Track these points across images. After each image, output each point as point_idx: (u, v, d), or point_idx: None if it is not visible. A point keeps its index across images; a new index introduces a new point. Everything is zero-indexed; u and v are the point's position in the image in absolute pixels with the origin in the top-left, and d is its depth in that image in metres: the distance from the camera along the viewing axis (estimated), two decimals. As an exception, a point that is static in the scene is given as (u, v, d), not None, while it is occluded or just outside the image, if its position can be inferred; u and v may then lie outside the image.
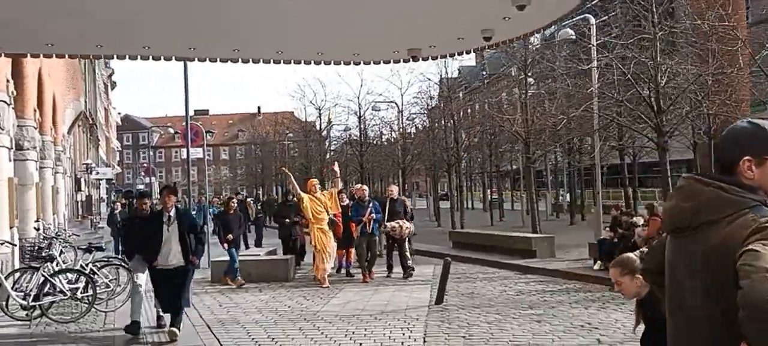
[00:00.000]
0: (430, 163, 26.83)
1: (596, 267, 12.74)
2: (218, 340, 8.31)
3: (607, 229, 13.22)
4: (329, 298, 11.05)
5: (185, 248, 8.17)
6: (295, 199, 13.80)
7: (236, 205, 14.47)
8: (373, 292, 11.39)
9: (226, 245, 12.86)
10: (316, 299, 10.94)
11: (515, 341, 7.92)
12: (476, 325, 8.79)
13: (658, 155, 13.77)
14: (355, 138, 31.43)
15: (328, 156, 37.44)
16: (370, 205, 12.85)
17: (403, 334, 8.39)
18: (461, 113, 25.63)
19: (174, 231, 8.17)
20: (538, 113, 17.54)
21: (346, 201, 13.83)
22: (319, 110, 35.35)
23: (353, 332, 8.56)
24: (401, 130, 28.63)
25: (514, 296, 10.96)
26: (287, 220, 14.53)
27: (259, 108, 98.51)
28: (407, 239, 13.40)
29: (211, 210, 26.81)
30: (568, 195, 36.98)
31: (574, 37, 16.02)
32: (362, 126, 30.29)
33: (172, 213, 8.29)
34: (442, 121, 24.31)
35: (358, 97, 29.79)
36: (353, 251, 13.53)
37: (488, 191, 38.13)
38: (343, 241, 13.20)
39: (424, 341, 8.02)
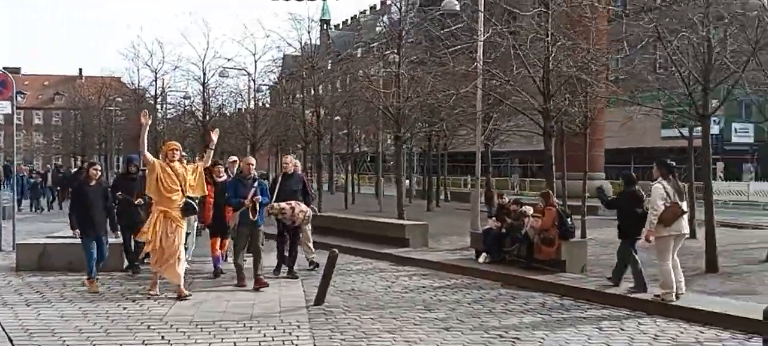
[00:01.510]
0: (282, 139, 24.65)
1: (482, 260, 11.57)
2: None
3: (493, 218, 12.11)
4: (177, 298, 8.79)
5: None
6: (142, 172, 10.96)
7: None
8: (232, 290, 9.26)
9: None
10: (161, 300, 8.63)
11: (431, 358, 6.35)
12: (375, 335, 7.09)
13: (544, 142, 12.91)
14: (197, 108, 28.32)
15: (161, 126, 33.74)
16: (255, 184, 9.51)
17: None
18: (324, 87, 23.63)
19: None
20: (411, 91, 16.09)
21: (223, 176, 10.80)
22: (156, 73, 31.61)
23: (221, 344, 6.52)
24: (255, 100, 26.08)
25: (402, 294, 9.41)
26: (119, 194, 10.24)
27: (80, 70, 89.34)
28: (303, 225, 10.71)
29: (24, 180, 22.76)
30: (414, 181, 36.73)
31: (458, 7, 14.77)
32: (206, 94, 27.27)
33: None
34: (301, 93, 22.23)
35: (203, 62, 26.83)
36: (227, 242, 10.70)
37: (340, 174, 36.67)
38: (214, 228, 10.48)
39: (318, 360, 6.19)
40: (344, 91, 24.24)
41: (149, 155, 8.79)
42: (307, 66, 21.52)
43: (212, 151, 9.70)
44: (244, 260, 9.57)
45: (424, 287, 10.06)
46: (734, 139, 38.06)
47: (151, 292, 8.72)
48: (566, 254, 10.59)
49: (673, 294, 8.28)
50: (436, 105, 16.23)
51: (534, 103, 12.90)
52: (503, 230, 11.54)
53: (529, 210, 11.65)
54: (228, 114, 30.22)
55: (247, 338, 6.81)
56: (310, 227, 11.17)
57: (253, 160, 9.95)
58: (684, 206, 8.44)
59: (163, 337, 6.82)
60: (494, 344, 6.78)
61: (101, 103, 47.42)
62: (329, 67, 25.74)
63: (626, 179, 9.70)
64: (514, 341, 6.90)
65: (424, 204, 26.03)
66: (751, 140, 38.31)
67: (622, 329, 7.46)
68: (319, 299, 8.48)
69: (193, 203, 8.90)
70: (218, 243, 10.49)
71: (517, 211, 11.53)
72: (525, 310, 8.48)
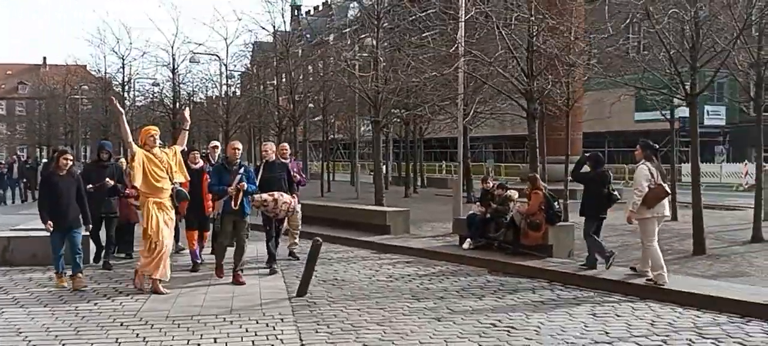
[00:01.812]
0: (256, 126, 24.03)
1: (466, 246, 11.29)
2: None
3: (477, 203, 11.81)
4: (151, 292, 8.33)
5: None
6: (115, 159, 10.42)
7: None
8: (209, 283, 8.81)
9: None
10: (134, 294, 8.17)
11: (425, 351, 6.03)
12: (363, 327, 6.73)
13: (527, 125, 12.64)
14: (166, 95, 27.49)
15: (129, 115, 32.77)
16: (241, 171, 8.73)
17: (270, 342, 6.11)
18: (296, 72, 22.95)
19: None
20: (390, 73, 15.63)
21: (200, 163, 10.07)
22: (123, 59, 30.63)
23: (200, 341, 6.11)
24: (227, 87, 25.37)
25: (387, 283, 9.07)
26: (90, 187, 9.25)
27: (44, 59, 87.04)
28: (287, 218, 10.08)
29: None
30: (390, 167, 36.37)
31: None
32: (176, 80, 26.50)
33: None
34: (276, 78, 21.62)
35: (172, 47, 26.02)
36: (207, 235, 10.13)
37: (315, 162, 36.13)
38: (192, 219, 9.77)
39: (305, 356, 5.83)
40: (319, 77, 23.59)
41: (135, 145, 8.15)
42: (281, 50, 20.91)
43: (187, 132, 9.07)
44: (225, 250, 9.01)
45: (409, 275, 9.73)
46: (706, 122, 38.34)
47: (137, 283, 8.37)
48: (553, 239, 10.35)
49: (665, 275, 8.14)
50: (417, 88, 15.80)
51: (517, 85, 12.62)
52: (488, 216, 11.26)
53: (515, 194, 11.40)
54: (198, 101, 29.46)
55: (228, 333, 6.42)
56: (300, 216, 10.78)
57: (239, 145, 9.05)
58: (667, 187, 8.38)
59: (137, 334, 6.39)
60: (489, 335, 6.47)
61: (66, 92, 46.11)
62: (300, 53, 25.00)
63: (595, 159, 9.61)
64: (509, 330, 6.60)
65: (402, 190, 25.72)
66: (723, 123, 38.70)
67: (618, 316, 7.22)
68: (302, 290, 8.10)
69: (184, 191, 8.51)
70: (196, 236, 9.81)
71: (502, 195, 11.25)
72: (515, 297, 8.20)
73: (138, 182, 8.01)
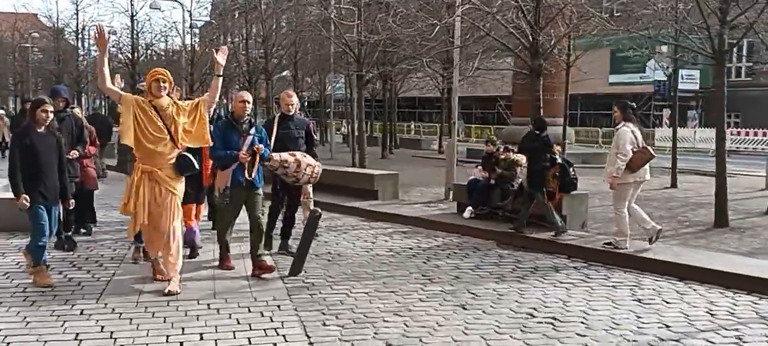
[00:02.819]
0: (225, 79, 22.43)
1: (467, 215, 10.25)
2: None
3: (479, 168, 10.74)
4: (116, 273, 7.07)
5: None
6: (71, 109, 8.22)
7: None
8: (185, 261, 7.51)
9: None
10: (100, 272, 6.90)
11: (461, 351, 4.97)
12: (379, 318, 5.62)
13: (531, 82, 11.56)
14: (124, 44, 25.60)
15: (81, 63, 30.66)
16: (252, 131, 6.80)
17: (269, 338, 4.97)
18: (270, 22, 21.33)
19: None
20: (377, 24, 14.27)
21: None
22: (77, 5, 28.45)
23: (181, 337, 4.92)
24: (192, 36, 23.59)
25: (390, 259, 7.96)
26: (75, 152, 7.75)
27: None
28: (309, 187, 8.46)
29: None
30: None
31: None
32: (135, 29, 24.62)
33: None
34: (246, 29, 20.00)
35: (131, -7, 24.06)
36: (201, 209, 8.30)
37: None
38: (190, 191, 7.23)
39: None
40: (293, 28, 21.98)
41: (115, 88, 6.31)
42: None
43: (221, 79, 6.53)
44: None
45: (410, 248, 8.65)
46: (681, 86, 37.91)
47: (160, 278, 6.44)
48: (567, 209, 9.37)
49: (627, 241, 7.95)
50: (406, 40, 14.50)
51: (521, 39, 11.49)
52: (492, 181, 10.22)
53: (522, 159, 10.36)
54: (160, 52, 27.61)
55: (217, 326, 5.24)
56: (311, 186, 8.85)
57: (248, 97, 6.94)
58: (651, 150, 8.04)
59: (102, 327, 5.18)
60: (532, 329, 5.43)
61: (16, 40, 43.28)
62: (274, 1, 23.30)
63: (538, 124, 9.07)
64: (552, 323, 5.58)
65: (376, 152, 24.54)
66: (697, 87, 38.35)
67: (667, 303, 6.26)
68: (296, 269, 6.94)
69: (190, 157, 6.19)
70: (193, 211, 7.92)
71: (508, 159, 10.20)
72: (541, 277, 7.18)
73: (126, 139, 6.09)
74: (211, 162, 7.52)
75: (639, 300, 6.33)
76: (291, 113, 7.85)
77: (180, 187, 6.31)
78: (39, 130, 6.32)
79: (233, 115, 6.87)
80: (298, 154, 7.45)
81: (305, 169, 7.39)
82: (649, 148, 8.00)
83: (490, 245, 8.92)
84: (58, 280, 6.50)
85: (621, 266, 7.66)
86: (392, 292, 6.43)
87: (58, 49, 32.17)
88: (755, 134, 34.93)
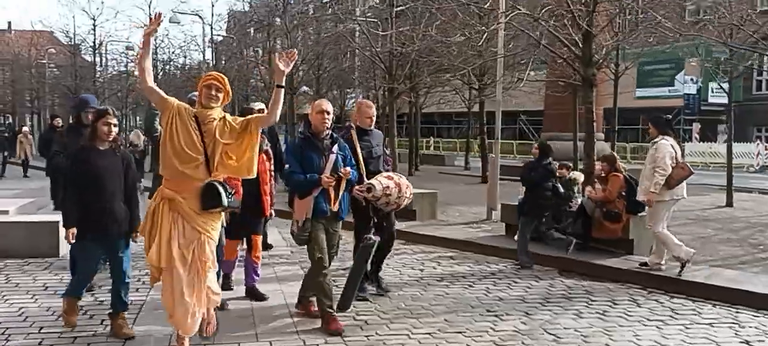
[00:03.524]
0: (243, 95, 21.76)
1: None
2: None
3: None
4: (141, 305, 6.26)
5: None
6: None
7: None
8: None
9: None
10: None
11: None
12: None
13: (583, 94, 10.69)
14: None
15: (98, 81, 30.14)
16: (335, 148, 5.52)
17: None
18: (295, 33, 20.63)
19: None
20: (414, 31, 13.39)
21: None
22: (94, 20, 27.96)
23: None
24: (213, 50, 22.92)
25: (445, 291, 7.08)
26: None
27: (9, 24, 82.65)
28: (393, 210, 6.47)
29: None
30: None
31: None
32: (154, 44, 24.00)
33: None
34: (269, 42, 19.31)
35: (150, 6, 23.56)
36: (259, 243, 6.48)
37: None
38: (238, 224, 6.02)
39: None
40: (318, 39, 21.18)
41: (157, 88, 4.77)
42: (277, 7, 18.61)
43: (282, 91, 4.81)
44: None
45: (463, 276, 7.79)
46: (711, 99, 36.94)
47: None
48: (634, 232, 8.47)
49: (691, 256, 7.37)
50: (441, 51, 13.64)
51: (571, 48, 10.63)
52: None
53: (580, 177, 9.52)
54: (180, 67, 27.02)
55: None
56: None
57: (328, 106, 5.60)
58: (690, 166, 7.58)
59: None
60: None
61: (33, 57, 43.07)
62: (298, 13, 22.61)
63: (543, 149, 8.43)
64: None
65: (403, 168, 23.68)
66: (727, 100, 37.20)
67: (783, 345, 5.36)
68: (346, 303, 6.07)
69: (219, 189, 4.64)
70: (238, 246, 6.47)
71: (565, 177, 9.32)
72: (621, 312, 6.29)
73: (168, 157, 4.67)
74: (268, 187, 6.34)
75: (747, 343, 5.43)
76: (370, 129, 6.47)
77: (214, 226, 4.75)
78: (100, 149, 5.08)
79: (311, 130, 5.53)
80: (395, 176, 6.12)
81: (406, 193, 6.04)
82: (687, 164, 7.55)
83: (551, 272, 8.05)
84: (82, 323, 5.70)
85: (705, 297, 6.76)
86: (459, 332, 5.57)
87: (75, 65, 31.73)
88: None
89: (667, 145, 7.35)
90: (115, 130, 5.13)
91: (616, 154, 9.19)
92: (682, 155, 7.62)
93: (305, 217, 5.36)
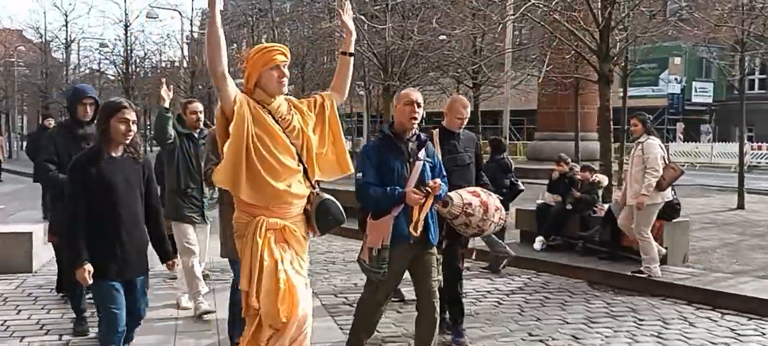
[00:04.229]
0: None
1: (538, 246, 8.66)
2: None
3: (547, 194, 9.11)
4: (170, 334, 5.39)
5: None
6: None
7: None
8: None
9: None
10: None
11: None
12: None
13: (599, 92, 10.04)
14: (118, 55, 23.92)
15: (67, 80, 28.84)
16: (422, 154, 4.24)
17: None
18: (282, 29, 19.68)
19: None
20: (412, 26, 12.63)
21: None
22: (66, 16, 26.74)
23: None
24: (194, 45, 21.91)
25: (473, 309, 6.35)
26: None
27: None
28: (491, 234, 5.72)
29: None
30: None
31: None
32: (129, 40, 22.98)
33: None
34: (251, 38, 18.39)
35: (125, 1, 22.49)
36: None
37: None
38: None
39: None
40: (306, 37, 20.28)
41: (229, 80, 3.32)
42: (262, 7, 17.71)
43: (352, 60, 3.89)
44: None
45: (489, 292, 7.05)
46: (694, 99, 36.84)
47: None
48: (668, 240, 7.81)
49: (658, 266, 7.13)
50: (442, 47, 12.91)
51: (587, 42, 9.99)
52: (568, 207, 8.66)
53: (605, 180, 8.86)
54: (155, 65, 25.95)
55: None
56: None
57: (419, 97, 4.29)
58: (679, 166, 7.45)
59: None
60: None
61: (0, 55, 41.50)
62: (287, 9, 21.70)
63: (495, 145, 8.34)
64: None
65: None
66: (710, 100, 37.21)
67: None
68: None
69: (337, 203, 3.57)
70: None
71: (587, 180, 8.66)
72: (677, 332, 5.62)
73: (227, 173, 3.34)
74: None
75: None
76: (456, 132, 5.15)
77: (306, 251, 3.62)
78: (114, 155, 3.74)
79: (393, 128, 4.29)
80: (482, 193, 4.75)
81: (493, 217, 4.70)
82: (676, 164, 7.41)
83: (581, 285, 7.36)
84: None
85: (757, 312, 6.14)
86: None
87: (46, 63, 30.40)
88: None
89: (655, 145, 7.09)
90: (134, 129, 3.77)
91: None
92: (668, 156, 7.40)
93: (381, 244, 4.05)
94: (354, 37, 3.83)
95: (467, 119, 5.19)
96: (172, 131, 5.59)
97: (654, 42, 13.20)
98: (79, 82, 31.68)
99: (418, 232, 4.06)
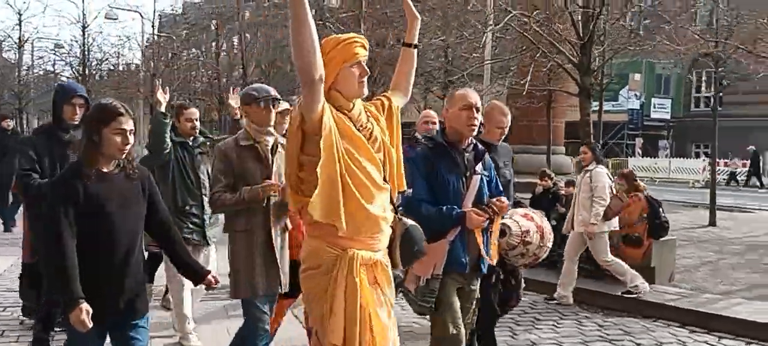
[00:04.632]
0: (188, 97, 20.08)
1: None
2: None
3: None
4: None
5: None
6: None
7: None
8: None
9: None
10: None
11: None
12: None
13: (579, 105, 9.87)
14: (75, 57, 23.00)
15: (19, 81, 27.67)
16: (479, 168, 3.61)
17: None
18: (252, 31, 19.11)
19: None
20: (386, 30, 12.33)
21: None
22: (20, 15, 25.59)
23: None
24: (157, 47, 21.18)
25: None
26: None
27: None
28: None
29: None
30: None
31: None
32: (86, 41, 22.11)
33: None
34: (216, 42, 17.86)
35: (83, 1, 21.59)
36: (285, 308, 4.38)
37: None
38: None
39: None
40: (273, 40, 19.75)
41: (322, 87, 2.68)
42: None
43: (416, 53, 3.29)
44: None
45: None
46: (653, 115, 37.48)
47: None
48: (656, 259, 7.63)
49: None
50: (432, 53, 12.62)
51: (568, 54, 9.82)
52: (552, 223, 8.40)
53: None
54: (113, 68, 25.07)
55: None
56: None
57: (478, 100, 3.61)
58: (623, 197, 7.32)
59: None
60: None
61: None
62: (248, 14, 21.19)
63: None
64: None
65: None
66: (668, 116, 37.91)
67: None
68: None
69: (418, 227, 3.01)
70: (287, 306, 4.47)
71: (570, 195, 8.43)
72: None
73: (323, 202, 2.69)
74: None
75: None
76: (496, 143, 4.44)
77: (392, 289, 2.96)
78: (105, 171, 3.00)
79: (445, 134, 3.68)
80: (535, 215, 4.22)
81: (548, 242, 4.18)
82: (624, 193, 7.36)
83: (570, 306, 7.11)
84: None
85: (753, 337, 5.97)
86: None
87: (-5, 65, 29.17)
88: (726, 165, 34.28)
89: (603, 173, 7.04)
90: (132, 140, 3.01)
91: (634, 172, 8.36)
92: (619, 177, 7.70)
93: (432, 273, 3.44)
94: (418, 24, 3.24)
95: (506, 124, 4.44)
96: (167, 142, 4.91)
97: (633, 57, 13.18)
98: (31, 83, 30.51)
99: (495, 260, 3.58)
